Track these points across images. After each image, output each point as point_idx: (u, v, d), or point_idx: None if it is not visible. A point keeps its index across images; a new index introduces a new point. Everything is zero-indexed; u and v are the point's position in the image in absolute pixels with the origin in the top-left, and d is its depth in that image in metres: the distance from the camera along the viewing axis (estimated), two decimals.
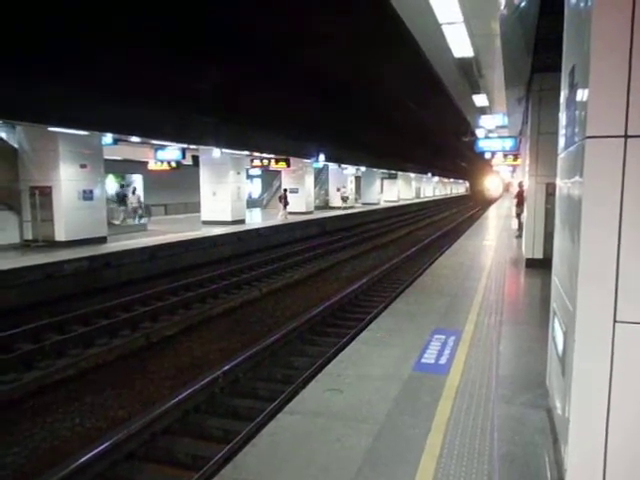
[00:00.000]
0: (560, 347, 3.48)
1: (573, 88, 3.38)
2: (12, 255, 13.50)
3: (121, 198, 20.98)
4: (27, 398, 7.08)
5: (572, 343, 3.01)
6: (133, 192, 21.79)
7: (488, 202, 58.23)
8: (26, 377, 7.68)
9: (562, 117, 3.90)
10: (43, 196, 15.20)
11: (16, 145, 15.37)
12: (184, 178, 27.33)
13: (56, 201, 15.11)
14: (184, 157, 20.66)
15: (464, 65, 8.28)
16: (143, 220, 21.53)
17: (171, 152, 20.28)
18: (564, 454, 3.18)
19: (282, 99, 18.02)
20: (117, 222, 19.89)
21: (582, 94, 3.04)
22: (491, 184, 79.30)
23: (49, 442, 6.01)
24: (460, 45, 6.88)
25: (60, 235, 15.13)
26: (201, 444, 5.62)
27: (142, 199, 21.88)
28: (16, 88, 9.40)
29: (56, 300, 11.58)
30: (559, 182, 4.13)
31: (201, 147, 21.07)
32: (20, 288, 11.41)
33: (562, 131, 3.91)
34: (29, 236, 15.42)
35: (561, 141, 3.96)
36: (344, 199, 36.80)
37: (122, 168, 26.19)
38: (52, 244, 14.92)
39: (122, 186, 21.30)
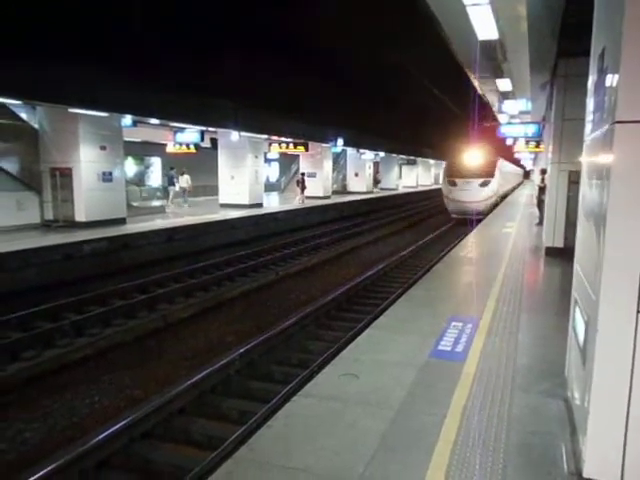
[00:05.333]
0: (581, 337, 3.42)
1: (602, 72, 3.27)
2: (33, 235, 13.70)
3: (170, 180, 23.67)
4: (46, 376, 7.22)
5: (594, 333, 2.95)
6: (182, 174, 23.16)
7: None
8: (46, 355, 7.82)
9: (590, 102, 3.79)
10: (63, 177, 15.35)
11: (37, 126, 15.50)
12: (202, 161, 27.37)
13: (76, 182, 15.26)
14: (203, 140, 20.68)
15: (488, 48, 8.10)
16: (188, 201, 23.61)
17: (190, 134, 20.30)
18: (582, 445, 3.15)
19: (301, 83, 17.90)
20: (136, 204, 20.05)
21: (612, 78, 2.95)
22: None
23: (68, 419, 6.13)
24: (485, 27, 6.71)
25: (80, 216, 15.30)
26: (216, 425, 5.69)
27: (190, 181, 23.56)
28: (35, 69, 9.45)
29: (75, 280, 11.74)
30: (584, 169, 4.03)
31: (220, 130, 21.06)
32: (40, 267, 11.58)
33: (589, 116, 3.80)
34: (49, 216, 15.62)
35: (588, 127, 3.86)
36: (376, 182, 40.53)
37: (141, 150, 26.33)
38: (72, 225, 15.10)
39: (171, 168, 23.89)
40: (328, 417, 3.82)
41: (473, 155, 23.85)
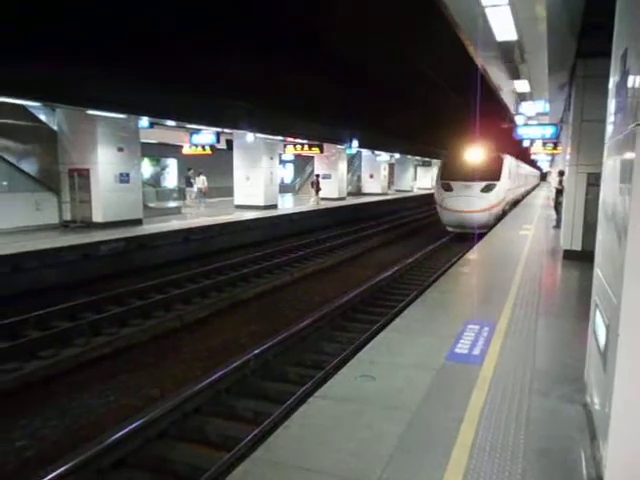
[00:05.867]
0: (602, 341, 3.38)
1: (624, 74, 3.23)
2: (52, 235, 13.88)
3: (187, 181, 24.38)
4: (64, 374, 7.30)
5: (615, 337, 2.91)
6: (199, 175, 23.45)
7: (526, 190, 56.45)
8: (63, 354, 7.90)
9: (611, 103, 3.74)
10: (81, 178, 15.54)
11: (55, 128, 15.71)
12: (217, 162, 27.53)
13: (94, 183, 15.43)
14: (218, 141, 20.80)
15: (506, 50, 8.04)
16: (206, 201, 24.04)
17: (206, 136, 20.43)
18: (602, 451, 3.10)
19: (316, 85, 17.89)
20: (152, 205, 20.23)
21: (634, 80, 2.91)
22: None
23: (85, 417, 6.20)
24: (504, 28, 6.66)
25: (97, 217, 15.46)
26: (232, 425, 5.71)
27: (206, 182, 23.81)
28: (53, 71, 9.58)
29: (92, 280, 11.87)
30: (605, 171, 3.98)
31: (235, 131, 21.16)
32: (59, 267, 11.73)
33: (610, 118, 3.75)
34: (68, 217, 15.82)
35: (609, 128, 3.81)
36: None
37: (157, 152, 26.56)
38: (89, 225, 15.27)
39: (189, 169, 24.38)
40: (345, 419, 3.82)
41: (474, 152, 19.09)
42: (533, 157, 36.92)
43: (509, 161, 20.86)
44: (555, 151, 20.51)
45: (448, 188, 19.01)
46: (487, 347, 5.23)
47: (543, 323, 6.22)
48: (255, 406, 6.09)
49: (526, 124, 17.71)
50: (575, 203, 10.53)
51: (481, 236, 14.35)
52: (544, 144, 19.79)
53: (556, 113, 17.07)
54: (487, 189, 18.44)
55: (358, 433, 3.61)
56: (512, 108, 15.77)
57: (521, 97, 13.86)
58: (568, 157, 11.29)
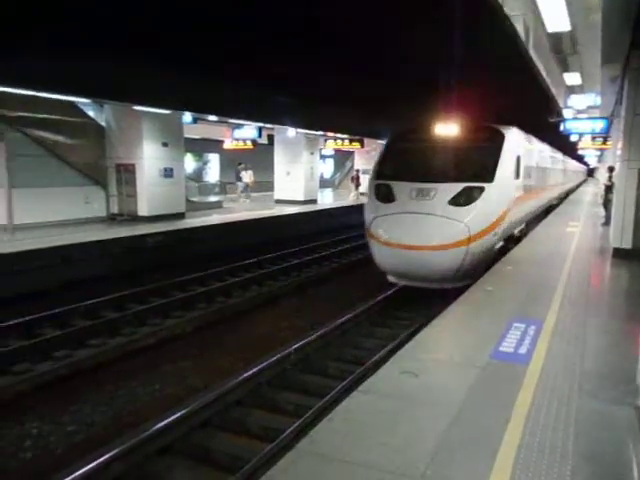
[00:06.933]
0: None
1: None
2: (100, 228, 14.35)
3: (237, 175, 25.24)
4: (112, 363, 7.53)
5: None
6: (246, 169, 24.13)
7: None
8: (111, 343, 8.15)
9: None
10: (127, 173, 15.97)
11: (103, 123, 16.17)
12: (258, 157, 27.80)
13: (139, 178, 15.84)
14: (260, 136, 20.98)
15: (556, 41, 7.80)
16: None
17: (248, 131, 20.63)
18: None
19: (358, 80, 17.78)
20: (194, 199, 20.59)
21: None
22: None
23: (131, 405, 6.39)
24: (556, 19, 6.45)
25: (142, 210, 15.86)
26: (273, 417, 5.78)
27: (252, 177, 24.55)
28: (102, 68, 9.86)
29: (137, 271, 12.18)
30: None
31: (277, 126, 21.30)
32: (106, 259, 12.09)
33: None
34: (114, 210, 16.28)
35: None
36: None
37: (199, 147, 27.00)
38: (134, 218, 15.69)
39: (239, 164, 25.14)
40: (388, 414, 3.80)
41: (445, 123, 9.81)
42: (580, 152, 35.71)
43: (517, 141, 11.05)
44: (604, 146, 19.78)
45: (386, 197, 9.71)
46: (533, 346, 5.10)
47: (592, 323, 6.03)
48: (295, 399, 6.14)
49: (575, 117, 17.16)
50: (625, 200, 10.16)
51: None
52: (593, 138, 19.09)
53: (607, 106, 16.46)
54: (464, 199, 9.14)
55: (401, 429, 3.59)
56: (561, 101, 15.30)
57: (571, 90, 13.43)
58: (619, 152, 10.88)
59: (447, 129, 9.73)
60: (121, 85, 11.25)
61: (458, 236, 8.72)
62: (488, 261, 9.60)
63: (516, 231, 11.83)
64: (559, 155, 23.37)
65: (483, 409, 3.88)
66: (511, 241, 11.31)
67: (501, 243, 10.32)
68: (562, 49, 8.88)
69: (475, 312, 6.43)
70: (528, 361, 4.73)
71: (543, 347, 5.10)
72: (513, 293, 7.39)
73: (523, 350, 4.98)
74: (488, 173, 9.54)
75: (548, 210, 18.96)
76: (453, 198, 9.08)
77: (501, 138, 10.13)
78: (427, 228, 8.83)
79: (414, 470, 3.10)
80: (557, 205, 22.28)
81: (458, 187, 9.20)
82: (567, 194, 29.97)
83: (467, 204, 9.06)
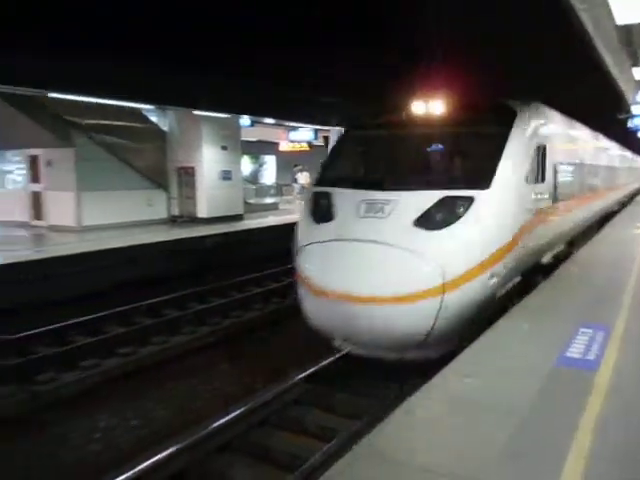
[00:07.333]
0: None
1: None
2: (163, 229, 14.91)
3: (293, 178, 26.09)
4: (173, 360, 7.76)
5: None
6: (302, 171, 24.88)
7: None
8: (173, 341, 8.40)
9: None
10: (187, 176, 16.46)
11: (165, 128, 16.73)
12: (313, 159, 28.02)
13: (198, 181, 16.30)
14: (316, 138, 21.09)
15: (626, 34, 7.42)
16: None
17: (304, 133, 20.80)
18: None
19: (407, 79, 17.57)
20: (251, 201, 20.95)
21: None
22: None
23: (192, 401, 6.57)
24: (627, 11, 6.11)
25: (202, 212, 16.30)
26: (329, 417, 5.77)
27: (309, 178, 24.80)
28: (165, 77, 10.28)
29: (196, 271, 12.48)
30: None
31: (332, 128, 21.35)
32: (168, 259, 12.47)
33: None
34: (175, 212, 16.82)
35: None
36: None
37: (255, 149, 27.45)
38: (194, 220, 16.14)
39: (295, 166, 25.95)
40: (448, 419, 3.72)
41: (427, 97, 6.54)
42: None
43: (541, 124, 7.55)
44: None
45: (322, 214, 6.43)
46: (602, 352, 4.86)
47: None
48: (350, 400, 6.10)
49: None
50: None
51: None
52: None
53: None
54: (439, 217, 5.81)
55: (462, 434, 3.50)
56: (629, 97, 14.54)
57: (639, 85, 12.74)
58: None
59: (430, 108, 6.46)
60: (187, 92, 11.80)
61: (425, 281, 5.45)
62: (486, 315, 6.16)
63: (546, 258, 8.29)
64: (619, 149, 19.53)
65: (549, 417, 3.72)
66: (539, 272, 7.92)
67: (517, 278, 7.02)
68: (633, 42, 8.43)
69: (538, 317, 6.18)
70: (597, 368, 4.51)
71: (612, 353, 4.85)
72: (578, 297, 7.08)
73: (591, 356, 4.75)
74: (482, 174, 6.11)
75: (607, 217, 16.17)
76: (422, 216, 5.71)
77: (509, 119, 6.58)
78: (376, 267, 5.58)
79: (478, 476, 3.02)
80: (618, 211, 19.21)
81: (432, 197, 5.84)
82: (632, 196, 26.46)
83: (443, 226, 5.71)
